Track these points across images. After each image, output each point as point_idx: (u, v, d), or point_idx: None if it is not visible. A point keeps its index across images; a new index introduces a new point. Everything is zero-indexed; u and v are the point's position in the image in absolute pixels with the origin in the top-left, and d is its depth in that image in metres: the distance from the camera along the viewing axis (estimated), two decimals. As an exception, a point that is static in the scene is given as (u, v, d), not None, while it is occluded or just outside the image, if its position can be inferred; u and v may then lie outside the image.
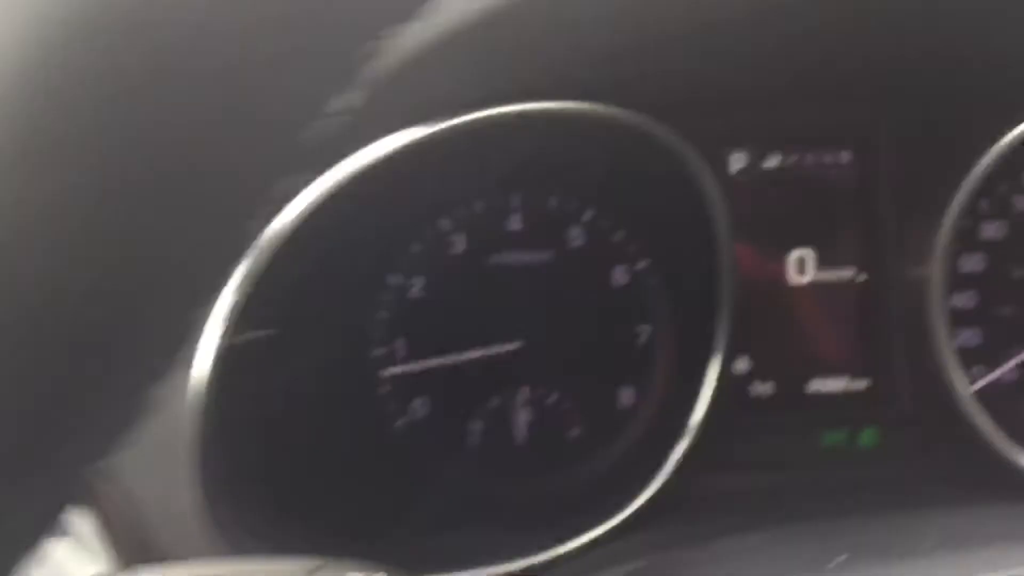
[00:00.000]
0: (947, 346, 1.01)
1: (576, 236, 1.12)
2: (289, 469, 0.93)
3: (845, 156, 1.11)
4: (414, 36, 0.78)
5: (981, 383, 1.10)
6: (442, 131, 0.83)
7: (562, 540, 0.97)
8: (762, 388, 1.13)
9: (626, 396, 1.13)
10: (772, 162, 1.12)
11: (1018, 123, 0.98)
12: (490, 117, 0.84)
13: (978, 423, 1.00)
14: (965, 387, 1.01)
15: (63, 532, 0.77)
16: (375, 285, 1.11)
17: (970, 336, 1.11)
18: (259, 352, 0.85)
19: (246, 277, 0.78)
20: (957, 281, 1.11)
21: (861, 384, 1.12)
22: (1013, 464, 1.00)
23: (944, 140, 1.04)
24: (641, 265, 1.12)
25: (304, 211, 0.81)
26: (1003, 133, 0.98)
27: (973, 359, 1.11)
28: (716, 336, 1.03)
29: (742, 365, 1.13)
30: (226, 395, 0.77)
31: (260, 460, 0.87)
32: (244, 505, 0.81)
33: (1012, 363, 1.10)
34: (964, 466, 1.05)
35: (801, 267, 1.12)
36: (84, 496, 0.76)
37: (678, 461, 1.02)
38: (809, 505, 1.05)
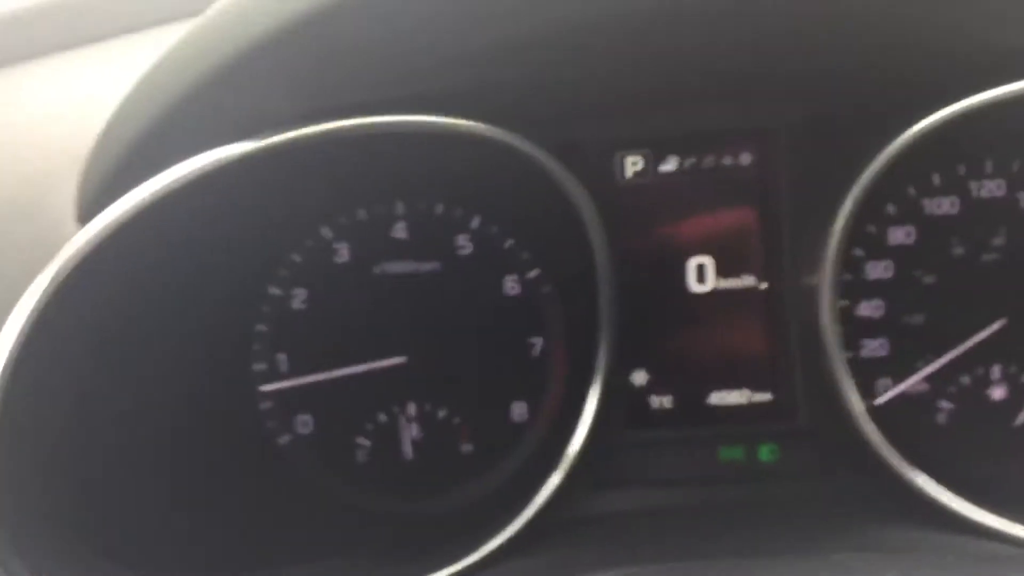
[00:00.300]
0: (839, 359, 0.96)
1: (464, 244, 1.08)
2: (125, 501, 0.89)
3: (746, 158, 1.06)
4: (249, 44, 0.73)
5: (887, 396, 1.05)
6: (282, 142, 0.78)
7: (447, 563, 0.93)
8: (660, 401, 1.08)
9: (518, 411, 1.09)
10: (670, 165, 1.07)
11: (912, 124, 0.92)
12: (335, 130, 0.79)
13: (872, 440, 0.96)
14: (858, 402, 0.96)
15: None
16: (253, 297, 1.07)
17: (877, 347, 1.06)
18: (57, 375, 0.80)
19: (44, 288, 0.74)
20: (864, 289, 1.06)
21: (762, 397, 1.07)
22: (908, 483, 0.95)
23: (840, 141, 0.99)
24: (532, 274, 1.08)
25: (114, 221, 0.76)
26: (896, 135, 0.92)
27: (880, 371, 1.06)
28: (601, 349, 0.98)
29: (639, 378, 1.08)
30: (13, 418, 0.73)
31: (82, 494, 0.83)
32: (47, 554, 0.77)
33: (918, 376, 1.05)
34: (863, 484, 1.01)
35: (701, 275, 1.07)
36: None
37: (562, 481, 0.98)
38: (705, 525, 1.01)
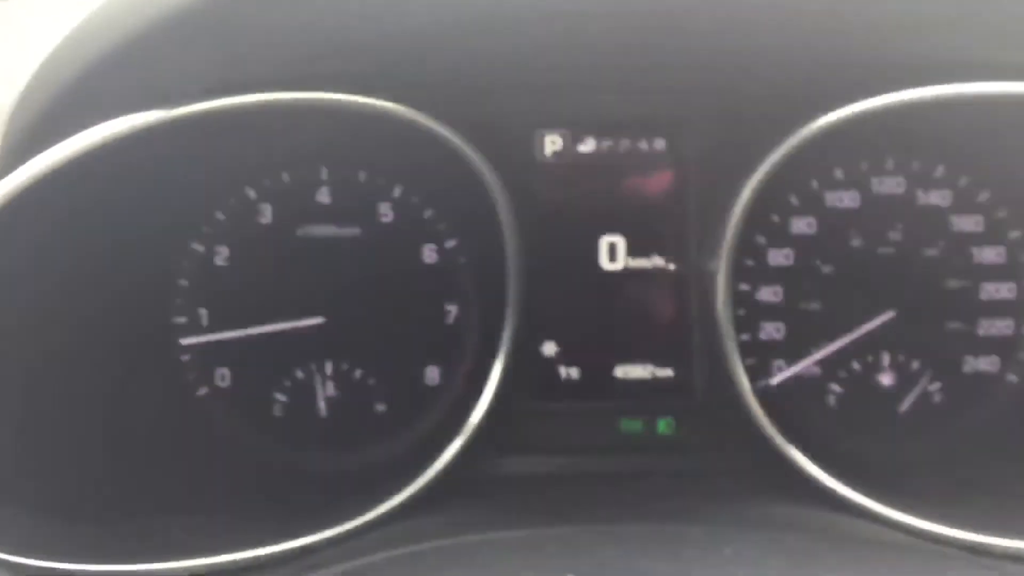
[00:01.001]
0: (732, 340, 1.01)
1: (385, 212, 1.11)
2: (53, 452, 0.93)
3: (660, 144, 1.10)
4: (161, 15, 0.76)
5: (779, 377, 1.11)
6: (190, 114, 0.81)
7: (343, 519, 0.97)
8: (568, 372, 1.13)
9: (431, 374, 1.13)
10: (588, 146, 1.11)
11: (812, 121, 0.97)
12: (243, 104, 0.83)
13: (756, 417, 1.01)
14: (746, 382, 1.01)
15: None
16: (176, 252, 1.10)
17: (773, 330, 1.12)
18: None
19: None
20: (764, 275, 1.11)
21: (664, 373, 1.12)
22: (789, 460, 1.00)
23: (746, 133, 1.03)
24: (450, 244, 1.12)
25: (20, 184, 0.79)
26: (796, 130, 0.97)
27: (775, 353, 1.11)
28: (508, 320, 1.03)
29: (549, 349, 1.13)
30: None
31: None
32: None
33: (810, 359, 1.10)
34: (750, 459, 1.06)
35: (612, 253, 1.11)
36: None
37: (464, 445, 1.02)
38: (599, 492, 1.06)
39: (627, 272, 1.11)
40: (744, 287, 1.10)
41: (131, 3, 0.73)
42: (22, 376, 0.91)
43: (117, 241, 1.01)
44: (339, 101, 0.86)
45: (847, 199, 1.10)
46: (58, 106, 0.78)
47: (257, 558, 0.89)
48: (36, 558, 0.81)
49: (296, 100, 0.84)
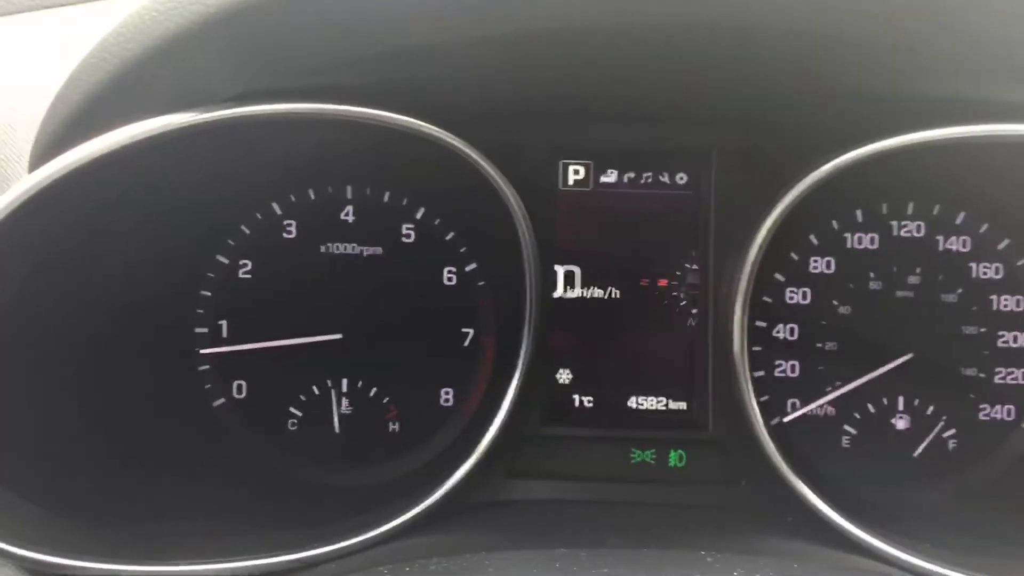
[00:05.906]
0: (746, 377, 1.01)
1: (407, 233, 1.12)
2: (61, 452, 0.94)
3: (681, 177, 1.12)
4: (193, 22, 0.77)
5: (792, 415, 1.10)
6: (216, 119, 0.83)
7: (349, 535, 0.97)
8: (582, 400, 1.13)
9: (446, 396, 1.14)
10: (610, 177, 1.12)
11: (833, 157, 0.97)
12: (271, 113, 0.84)
13: (770, 454, 1.01)
14: (759, 419, 1.01)
15: None
16: (201, 263, 1.11)
17: (788, 368, 1.12)
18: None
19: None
20: (782, 313, 1.11)
21: (678, 405, 1.12)
22: (801, 498, 1.00)
23: (768, 171, 1.04)
24: (469, 268, 1.13)
25: (47, 178, 0.80)
26: (815, 165, 0.98)
27: (790, 391, 1.11)
28: (524, 346, 1.03)
29: (564, 376, 1.13)
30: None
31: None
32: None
33: (824, 399, 1.10)
34: (761, 495, 1.06)
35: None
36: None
37: (474, 467, 1.02)
38: (608, 519, 1.05)
39: (646, 304, 1.12)
40: (761, 324, 1.10)
41: (168, 7, 0.74)
42: (41, 377, 0.92)
43: (143, 247, 1.02)
44: (368, 115, 0.88)
45: (867, 241, 1.11)
46: (90, 106, 0.80)
47: (262, 567, 0.89)
48: (54, 555, 0.82)
49: (323, 111, 0.85)
